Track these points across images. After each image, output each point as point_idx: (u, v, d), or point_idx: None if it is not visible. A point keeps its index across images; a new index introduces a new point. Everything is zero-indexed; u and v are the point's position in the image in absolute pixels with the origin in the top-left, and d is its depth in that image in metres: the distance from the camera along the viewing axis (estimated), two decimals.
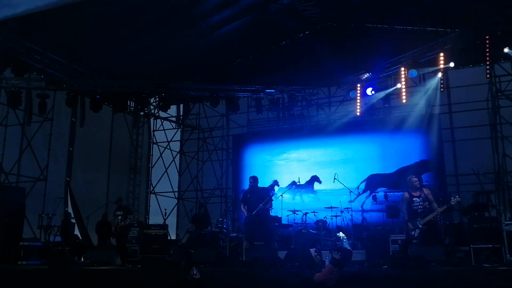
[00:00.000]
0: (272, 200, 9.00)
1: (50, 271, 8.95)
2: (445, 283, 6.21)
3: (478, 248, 7.80)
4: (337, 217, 11.57)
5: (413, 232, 8.28)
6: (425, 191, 8.50)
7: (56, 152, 14.26)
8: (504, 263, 7.32)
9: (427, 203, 8.38)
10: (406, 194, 8.54)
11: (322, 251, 8.18)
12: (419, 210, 8.35)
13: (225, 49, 14.21)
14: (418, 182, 8.53)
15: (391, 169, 13.17)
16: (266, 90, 14.24)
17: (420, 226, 8.24)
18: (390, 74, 13.25)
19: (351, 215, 11.58)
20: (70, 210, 13.96)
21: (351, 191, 12.29)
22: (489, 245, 7.62)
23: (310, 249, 6.37)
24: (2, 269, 9.53)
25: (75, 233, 12.97)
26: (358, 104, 13.31)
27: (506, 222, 8.25)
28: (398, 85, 12.94)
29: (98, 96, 13.68)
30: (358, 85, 13.44)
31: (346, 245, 6.57)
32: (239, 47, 14.44)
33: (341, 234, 7.26)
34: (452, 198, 8.39)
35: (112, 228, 10.94)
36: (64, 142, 14.85)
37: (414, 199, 8.41)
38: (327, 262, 7.40)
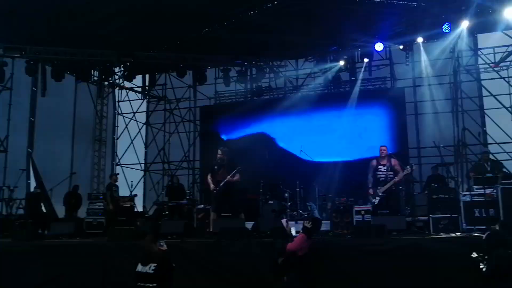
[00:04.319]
0: (240, 173, 9.04)
1: (13, 244, 8.81)
2: (405, 251, 6.48)
3: (437, 217, 8.13)
4: (303, 189, 11.78)
5: (373, 200, 8.65)
6: (393, 161, 8.78)
7: (16, 123, 13.81)
8: (460, 232, 7.67)
9: (392, 173, 8.67)
10: (374, 162, 8.87)
11: (289, 222, 8.35)
12: (381, 179, 8.67)
13: (192, 18, 13.90)
14: (385, 150, 8.81)
15: (357, 141, 13.39)
16: (234, 61, 14.13)
17: (380, 194, 8.57)
18: (357, 47, 13.38)
19: (316, 186, 11.78)
20: (32, 182, 13.67)
21: None
22: (447, 215, 7.95)
23: (282, 220, 6.47)
24: None
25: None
26: None
27: (463, 193, 8.60)
28: (365, 60, 13.13)
29: (59, 65, 13.27)
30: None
31: (316, 214, 6.72)
32: (207, 17, 14.14)
33: (310, 203, 7.45)
34: (406, 168, 8.74)
35: (110, 206, 11.05)
36: (25, 113, 14.40)
37: (379, 167, 8.72)
38: (293, 232, 7.58)
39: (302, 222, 6.50)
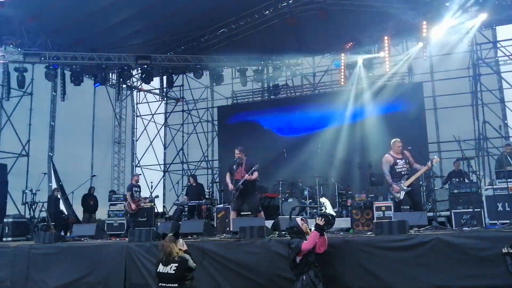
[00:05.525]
0: (258, 171, 9.03)
1: (37, 246, 8.96)
2: (427, 246, 6.38)
3: (459, 212, 8.00)
4: (323, 186, 11.75)
5: (398, 194, 8.36)
6: (407, 153, 8.59)
7: (38, 127, 14.04)
8: (484, 227, 7.52)
9: (408, 165, 8.50)
10: (389, 157, 8.52)
11: (309, 220, 8.30)
12: (403, 172, 8.43)
13: (208, 19, 13.99)
14: (401, 145, 8.59)
15: (375, 138, 13.24)
16: (251, 61, 14.13)
17: (405, 187, 8.33)
18: (374, 43, 13.25)
19: (335, 183, 11.73)
20: (54, 185, 13.89)
21: None
22: (469, 209, 7.81)
23: (296, 218, 6.43)
24: None
25: (61, 208, 12.95)
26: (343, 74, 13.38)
27: (486, 187, 8.43)
28: (381, 54, 12.99)
29: (78, 69, 13.49)
30: (342, 54, 13.46)
31: (330, 210, 6.59)
32: (223, 17, 14.22)
33: (323, 199, 7.28)
34: (432, 158, 8.53)
35: (133, 205, 10.90)
36: (45, 117, 14.66)
37: (398, 161, 8.46)
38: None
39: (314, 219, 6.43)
